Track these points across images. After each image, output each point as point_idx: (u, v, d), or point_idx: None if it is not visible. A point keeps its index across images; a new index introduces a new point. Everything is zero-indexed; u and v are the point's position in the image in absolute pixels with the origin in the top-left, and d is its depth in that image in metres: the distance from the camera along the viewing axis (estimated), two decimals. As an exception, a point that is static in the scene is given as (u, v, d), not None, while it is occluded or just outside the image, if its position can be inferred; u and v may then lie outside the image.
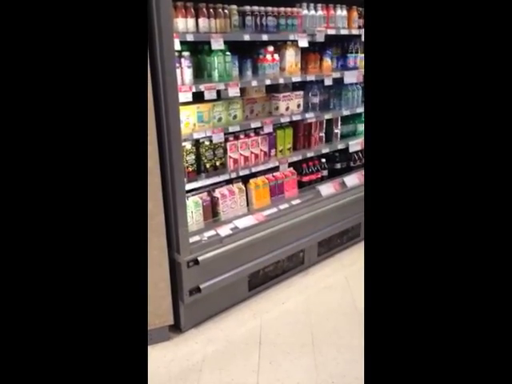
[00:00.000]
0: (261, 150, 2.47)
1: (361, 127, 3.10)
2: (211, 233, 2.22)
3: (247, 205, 2.48)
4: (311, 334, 2.16)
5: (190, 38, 1.95)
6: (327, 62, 2.68)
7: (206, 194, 2.33)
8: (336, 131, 2.98)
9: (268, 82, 2.35)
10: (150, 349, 2.06)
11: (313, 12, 2.51)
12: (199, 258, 2.11)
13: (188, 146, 2.14)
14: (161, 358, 2.01)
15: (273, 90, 2.57)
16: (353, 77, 2.78)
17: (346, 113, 2.87)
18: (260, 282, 2.50)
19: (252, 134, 2.43)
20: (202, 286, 2.15)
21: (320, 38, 2.50)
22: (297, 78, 2.48)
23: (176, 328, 2.19)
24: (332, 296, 2.47)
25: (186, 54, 2.02)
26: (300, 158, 2.68)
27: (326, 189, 2.76)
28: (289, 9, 2.39)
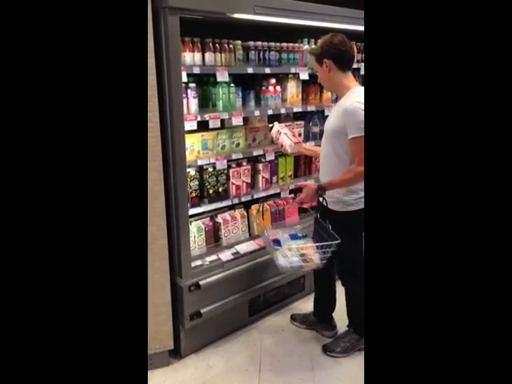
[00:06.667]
0: (262, 177, 2.53)
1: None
2: (213, 257, 2.25)
3: (248, 230, 2.52)
4: (311, 361, 2.14)
5: (196, 70, 2.05)
6: (327, 93, 2.79)
7: (208, 219, 2.38)
8: (336, 159, 3.05)
9: (270, 111, 2.44)
10: (149, 374, 2.05)
11: (313, 47, 2.64)
12: (201, 283, 2.13)
13: (192, 172, 2.21)
14: (160, 384, 2.00)
15: (275, 119, 2.66)
16: (352, 108, 2.87)
17: (345, 142, 2.94)
18: (260, 307, 2.51)
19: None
20: (202, 311, 2.16)
21: (320, 72, 2.60)
22: (298, 109, 2.58)
23: (176, 353, 2.19)
24: (332, 323, 2.46)
25: (192, 85, 2.12)
26: (301, 184, 2.75)
27: (327, 215, 2.79)
28: (290, 44, 2.52)
